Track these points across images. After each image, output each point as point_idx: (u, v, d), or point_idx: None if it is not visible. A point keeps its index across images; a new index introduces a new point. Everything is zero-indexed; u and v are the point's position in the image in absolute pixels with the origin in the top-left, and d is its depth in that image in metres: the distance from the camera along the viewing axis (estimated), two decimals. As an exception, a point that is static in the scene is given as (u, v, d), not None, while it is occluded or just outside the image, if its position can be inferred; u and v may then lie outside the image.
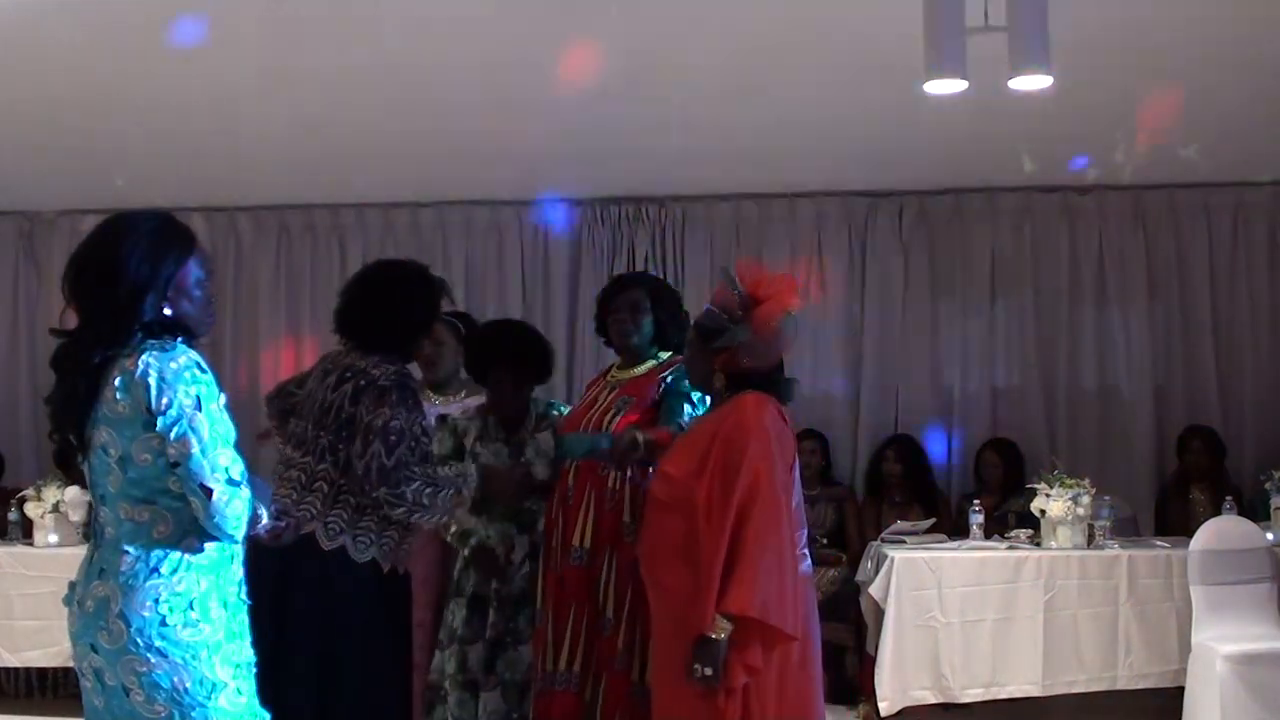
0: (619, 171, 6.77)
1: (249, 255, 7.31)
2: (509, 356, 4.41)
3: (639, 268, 7.09)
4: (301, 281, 7.28)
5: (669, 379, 4.15)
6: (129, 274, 2.66)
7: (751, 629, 3.39)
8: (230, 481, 2.62)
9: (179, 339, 2.68)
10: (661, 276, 4.97)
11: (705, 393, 3.76)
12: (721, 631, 3.36)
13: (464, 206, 7.22)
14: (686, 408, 4.07)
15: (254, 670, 2.74)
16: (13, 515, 6.18)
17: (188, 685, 2.59)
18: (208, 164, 6.45)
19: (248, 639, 2.73)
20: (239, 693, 2.67)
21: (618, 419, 4.10)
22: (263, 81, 5.42)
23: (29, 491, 6.08)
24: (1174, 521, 6.50)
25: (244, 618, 2.74)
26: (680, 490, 3.51)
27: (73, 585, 2.73)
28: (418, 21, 4.93)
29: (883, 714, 5.49)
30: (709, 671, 3.35)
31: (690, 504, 3.47)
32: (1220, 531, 5.56)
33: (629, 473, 4.07)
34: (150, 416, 2.60)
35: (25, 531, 6.13)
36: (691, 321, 4.03)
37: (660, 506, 3.59)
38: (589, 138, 6.13)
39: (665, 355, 4.25)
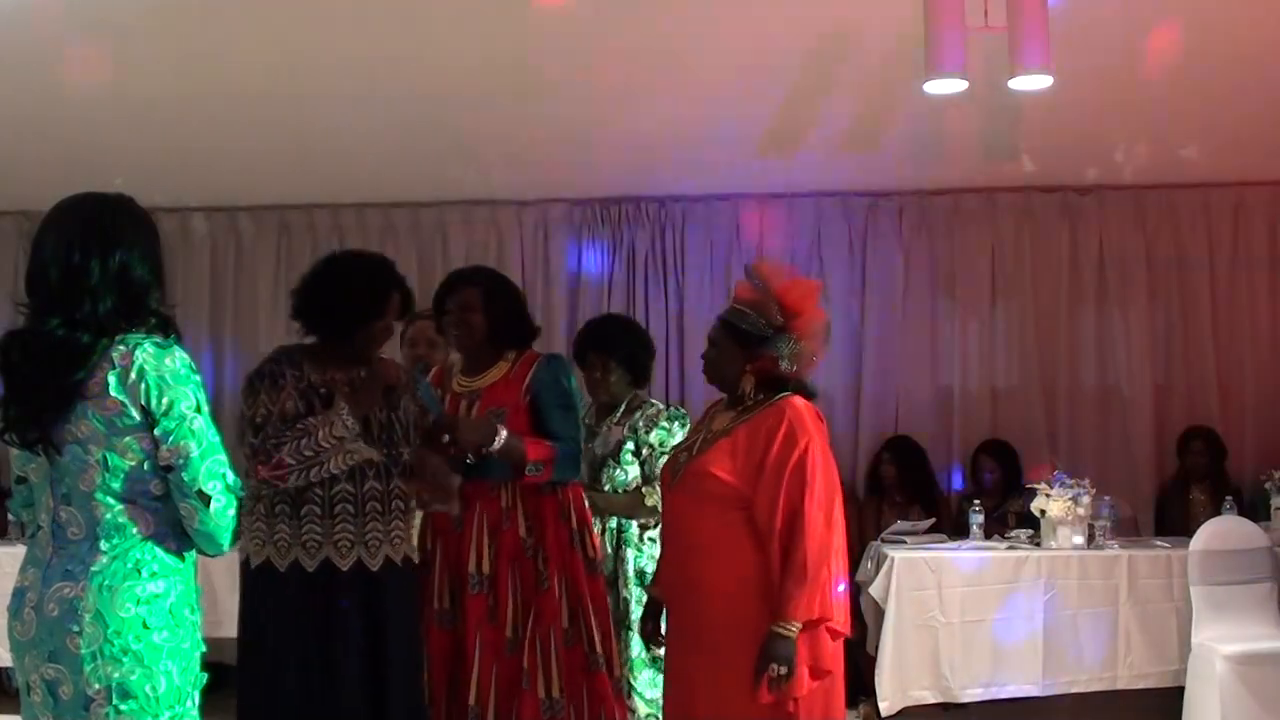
0: (619, 171, 6.78)
1: (249, 255, 7.31)
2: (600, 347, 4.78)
3: (639, 268, 7.12)
4: (301, 281, 7.27)
5: (534, 383, 4.02)
6: (139, 261, 2.54)
7: (820, 633, 3.45)
8: (227, 489, 2.53)
9: (171, 334, 2.56)
10: (497, 270, 4.59)
11: (729, 393, 3.70)
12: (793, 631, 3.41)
13: (464, 206, 7.22)
14: (559, 413, 4.00)
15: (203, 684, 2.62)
16: (12, 515, 6.18)
17: (160, 693, 2.48)
18: (208, 164, 6.45)
19: (203, 649, 2.61)
20: (194, 703, 2.56)
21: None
22: (263, 81, 5.42)
23: (29, 491, 6.07)
24: (1174, 521, 6.50)
25: (201, 624, 2.62)
26: (732, 491, 3.52)
27: (22, 592, 2.56)
28: (418, 21, 4.93)
29: (883, 714, 5.49)
30: (783, 671, 3.38)
31: (749, 504, 3.49)
32: (1220, 531, 5.57)
33: (518, 489, 3.95)
34: (146, 416, 2.48)
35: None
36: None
37: (712, 502, 3.56)
38: (589, 138, 6.13)
39: (512, 355, 4.08)
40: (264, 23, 4.94)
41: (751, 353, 3.60)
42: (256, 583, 3.54)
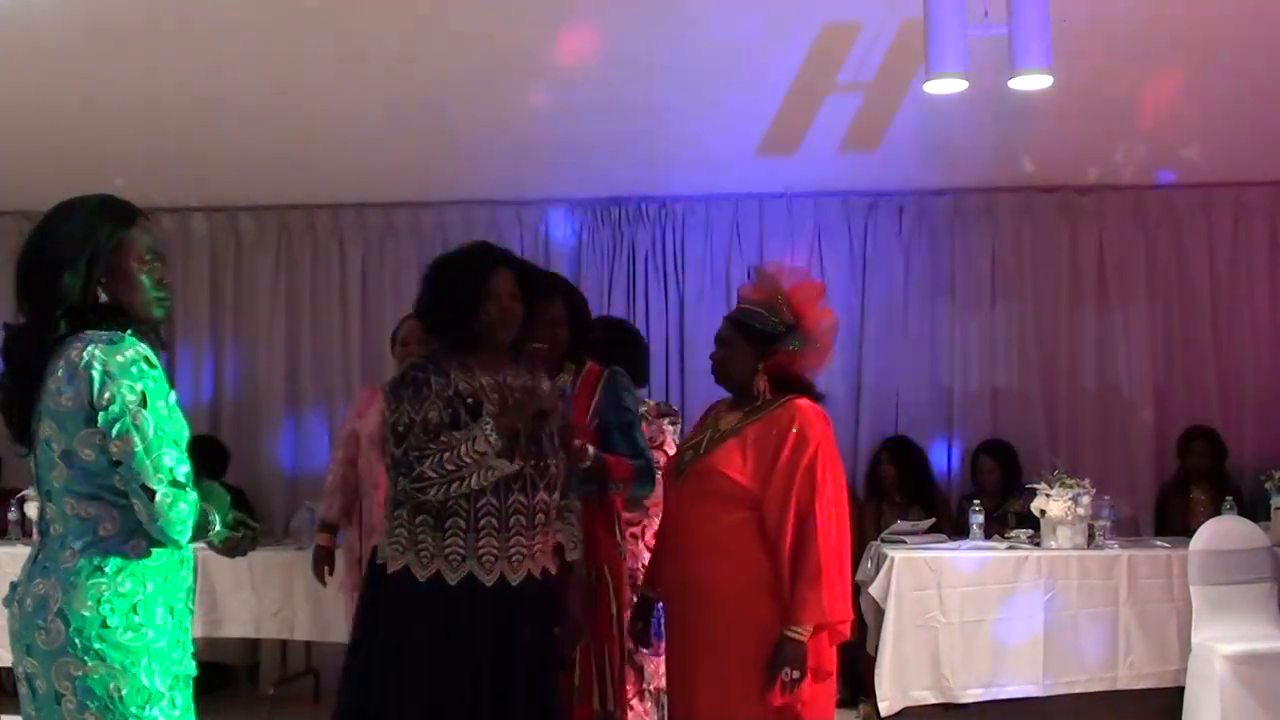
0: (619, 171, 6.78)
1: (249, 255, 7.31)
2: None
3: (639, 268, 7.12)
4: (301, 281, 7.28)
5: (600, 403, 4.00)
6: (47, 257, 2.56)
7: (820, 637, 3.45)
8: (174, 483, 2.47)
9: (129, 329, 2.55)
10: (570, 279, 4.63)
11: (741, 394, 3.68)
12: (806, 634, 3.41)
13: (464, 206, 7.21)
14: (623, 433, 3.98)
15: (192, 682, 2.60)
16: (13, 515, 6.18)
17: (123, 693, 2.46)
18: (208, 164, 6.45)
19: (190, 649, 2.61)
20: (173, 705, 2.53)
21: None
22: (263, 81, 5.43)
23: (29, 491, 6.06)
24: (1174, 521, 6.50)
25: (189, 626, 2.61)
26: (741, 491, 3.51)
27: (14, 585, 2.59)
28: (417, 21, 4.94)
29: (883, 714, 5.49)
30: (796, 675, 3.38)
31: (758, 504, 3.49)
32: (1220, 531, 5.57)
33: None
34: (93, 411, 2.46)
35: (25, 531, 6.13)
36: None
37: (720, 501, 3.55)
38: (589, 138, 6.13)
39: (571, 367, 4.04)
40: (264, 23, 4.94)
41: (764, 351, 3.60)
42: (391, 586, 3.42)
